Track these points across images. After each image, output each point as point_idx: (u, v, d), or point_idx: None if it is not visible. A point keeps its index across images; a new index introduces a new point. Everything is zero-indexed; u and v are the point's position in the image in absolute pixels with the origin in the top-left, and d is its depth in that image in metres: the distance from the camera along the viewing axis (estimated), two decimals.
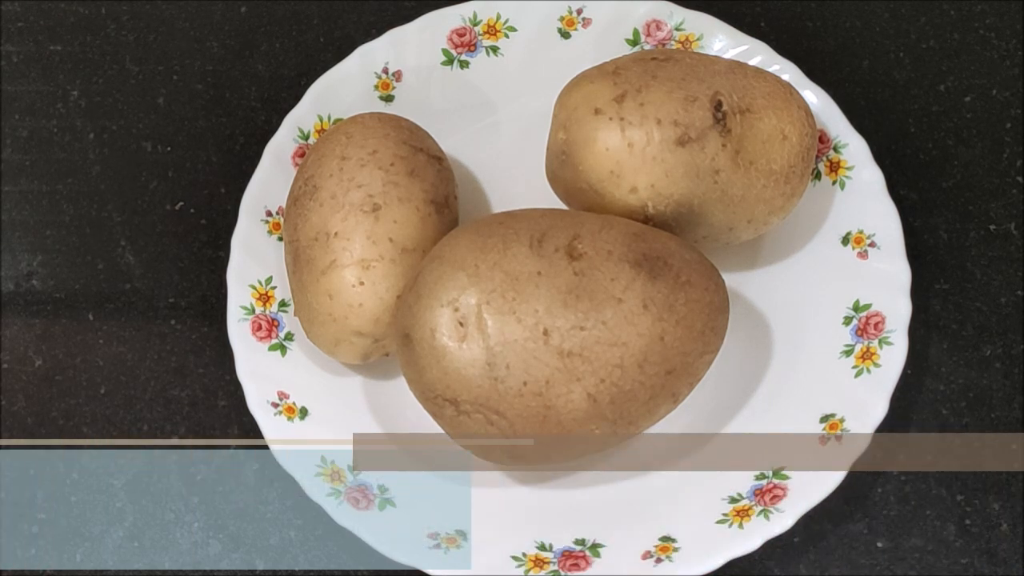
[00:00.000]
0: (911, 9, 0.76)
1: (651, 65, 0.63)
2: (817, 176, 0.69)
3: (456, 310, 0.59)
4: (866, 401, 0.64)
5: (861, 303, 0.66)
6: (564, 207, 0.66)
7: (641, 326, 0.59)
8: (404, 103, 0.72)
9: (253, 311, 0.67)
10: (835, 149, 0.69)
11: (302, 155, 0.70)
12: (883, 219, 0.67)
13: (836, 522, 0.65)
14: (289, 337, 0.67)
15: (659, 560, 0.62)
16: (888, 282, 0.66)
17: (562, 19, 0.72)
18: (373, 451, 0.66)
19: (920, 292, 0.68)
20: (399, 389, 0.65)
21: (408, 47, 0.72)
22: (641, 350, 0.59)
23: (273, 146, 0.70)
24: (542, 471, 0.65)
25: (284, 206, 0.68)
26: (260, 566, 0.65)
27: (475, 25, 0.72)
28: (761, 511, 0.62)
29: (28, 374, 0.70)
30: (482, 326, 0.58)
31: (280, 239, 0.69)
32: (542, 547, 0.63)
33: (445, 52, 0.72)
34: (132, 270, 0.72)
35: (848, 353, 0.65)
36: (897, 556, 0.65)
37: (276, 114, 0.72)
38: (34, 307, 0.71)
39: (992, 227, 0.71)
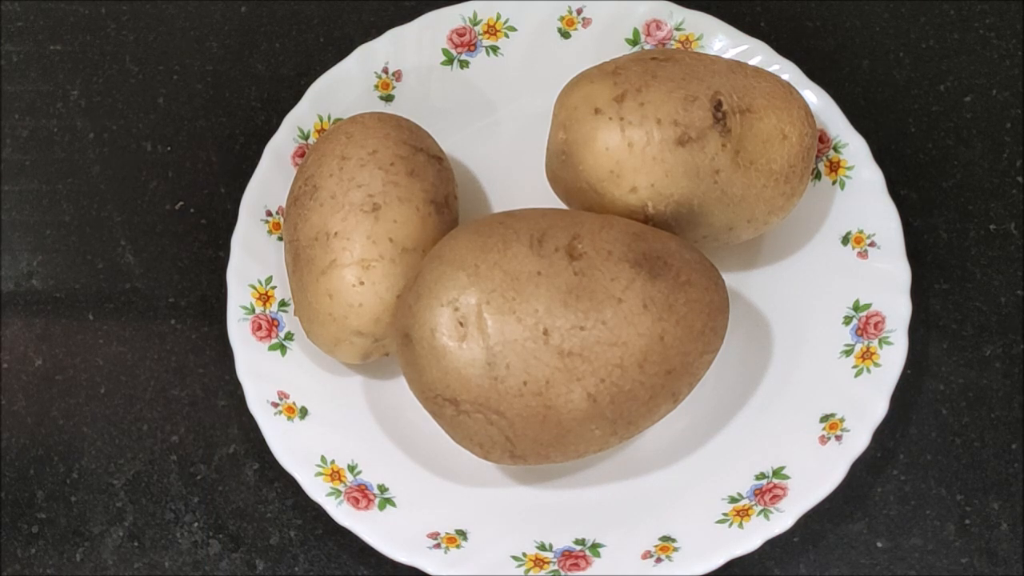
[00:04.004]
0: (911, 9, 0.77)
1: (651, 65, 0.64)
2: (817, 176, 0.69)
3: (456, 310, 0.59)
4: (866, 401, 0.64)
5: (861, 303, 0.66)
6: (564, 207, 0.66)
7: (641, 326, 0.59)
8: (404, 103, 0.72)
9: (253, 311, 0.67)
10: (835, 149, 0.69)
11: (302, 155, 0.70)
12: (883, 219, 0.67)
13: (836, 522, 0.65)
14: (289, 337, 0.67)
15: (659, 560, 0.62)
16: (888, 282, 0.66)
17: (562, 19, 0.72)
18: (373, 451, 0.66)
19: (920, 292, 0.68)
20: (399, 389, 0.65)
21: (408, 47, 0.72)
22: (641, 350, 0.59)
23: (273, 146, 0.70)
24: (542, 471, 0.65)
25: (284, 206, 0.68)
26: (260, 566, 0.65)
27: (475, 25, 0.72)
28: (761, 511, 0.62)
29: (28, 374, 0.70)
30: (482, 326, 0.58)
31: (280, 239, 0.69)
32: (542, 547, 0.63)
33: (445, 52, 0.72)
34: (132, 270, 0.72)
35: (848, 353, 0.65)
36: (897, 556, 0.65)
37: (276, 114, 0.72)
38: (34, 307, 0.71)
39: (992, 227, 0.71)
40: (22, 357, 0.70)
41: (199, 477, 0.67)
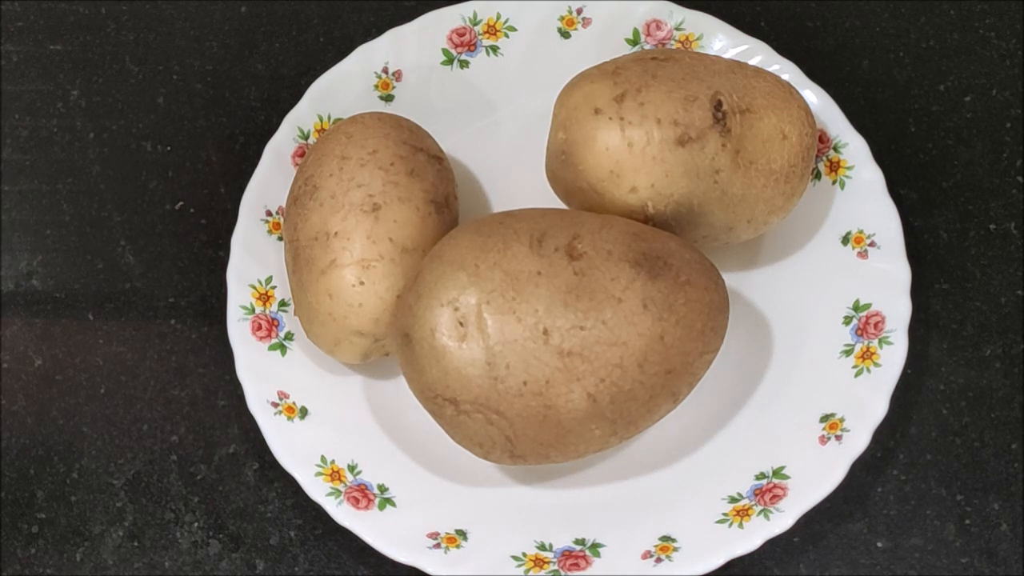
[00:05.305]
0: (911, 9, 0.77)
1: (651, 65, 0.64)
2: (817, 176, 0.69)
3: (456, 310, 0.59)
4: (866, 401, 0.64)
5: (861, 303, 0.66)
6: (564, 207, 0.66)
7: (641, 326, 0.59)
8: (404, 103, 0.72)
9: (253, 311, 0.67)
10: (835, 149, 0.69)
11: (302, 155, 0.70)
12: (883, 219, 0.67)
13: (836, 522, 0.65)
14: (289, 337, 0.67)
15: (659, 560, 0.62)
16: (888, 282, 0.66)
17: (562, 19, 0.72)
18: (373, 451, 0.66)
19: (920, 292, 0.68)
20: (399, 389, 0.65)
21: (408, 47, 0.72)
22: (641, 350, 0.59)
23: (273, 146, 0.70)
24: (542, 471, 0.65)
25: (284, 206, 0.68)
26: (260, 566, 0.65)
27: (475, 25, 0.72)
28: (761, 511, 0.62)
29: (28, 374, 0.70)
30: (482, 326, 0.58)
31: (280, 239, 0.69)
32: (542, 547, 0.63)
33: (445, 52, 0.72)
34: (132, 270, 0.72)
35: (848, 353, 0.65)
36: (897, 556, 0.65)
37: (276, 114, 0.72)
38: (34, 307, 0.71)
39: (992, 227, 0.71)
40: (22, 357, 0.70)
41: (199, 477, 0.67)
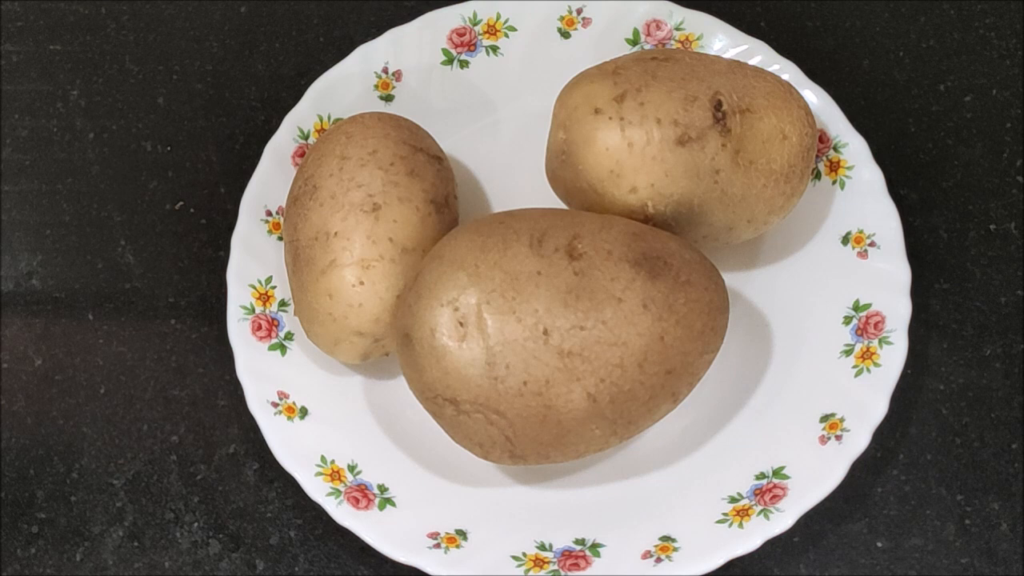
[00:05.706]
0: (911, 9, 0.77)
1: (651, 65, 0.64)
2: (817, 176, 0.69)
3: (456, 310, 0.59)
4: (866, 401, 0.64)
5: (861, 303, 0.66)
6: (564, 207, 0.66)
7: (641, 326, 0.59)
8: (404, 103, 0.72)
9: (253, 311, 0.67)
10: (835, 149, 0.69)
11: (302, 155, 0.70)
12: (883, 219, 0.67)
13: (836, 522, 0.65)
14: (289, 337, 0.67)
15: (659, 560, 0.62)
16: (888, 282, 0.66)
17: (562, 19, 0.72)
18: (373, 451, 0.66)
19: (920, 292, 0.68)
20: (399, 389, 0.65)
21: (408, 47, 0.72)
22: (641, 350, 0.59)
23: (273, 146, 0.70)
24: (542, 471, 0.65)
25: (284, 206, 0.68)
26: (260, 566, 0.65)
27: (475, 25, 0.72)
28: (761, 511, 0.62)
29: (28, 374, 0.70)
30: (482, 326, 0.58)
31: (280, 239, 0.69)
32: (542, 547, 0.63)
33: (445, 52, 0.72)
34: (132, 270, 0.72)
35: (848, 353, 0.65)
36: (897, 556, 0.65)
37: (276, 114, 0.72)
38: (34, 307, 0.71)
39: (992, 227, 0.71)
40: (22, 357, 0.70)
41: (199, 477, 0.67)
